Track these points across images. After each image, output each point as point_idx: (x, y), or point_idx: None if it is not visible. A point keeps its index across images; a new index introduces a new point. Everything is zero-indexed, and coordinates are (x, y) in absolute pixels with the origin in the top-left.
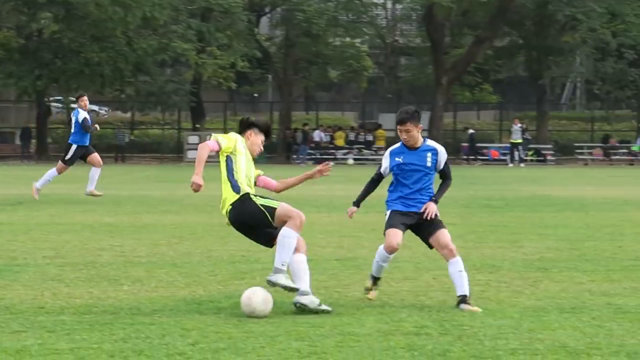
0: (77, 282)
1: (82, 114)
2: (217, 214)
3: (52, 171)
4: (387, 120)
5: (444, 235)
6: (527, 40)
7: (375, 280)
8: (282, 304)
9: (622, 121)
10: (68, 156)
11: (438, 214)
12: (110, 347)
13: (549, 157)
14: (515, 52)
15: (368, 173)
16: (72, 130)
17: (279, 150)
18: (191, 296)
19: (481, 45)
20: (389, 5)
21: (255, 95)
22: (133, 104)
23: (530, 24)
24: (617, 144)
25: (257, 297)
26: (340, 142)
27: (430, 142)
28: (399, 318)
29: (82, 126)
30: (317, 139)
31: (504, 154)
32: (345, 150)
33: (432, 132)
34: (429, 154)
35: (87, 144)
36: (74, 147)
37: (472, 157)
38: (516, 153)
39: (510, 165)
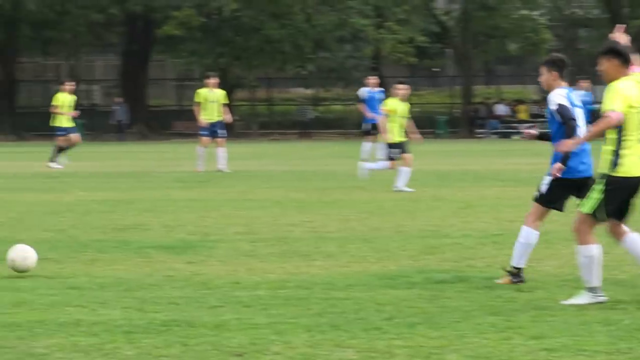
0: (270, 258)
1: None
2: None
3: None
4: None
5: None
6: None
7: None
8: (474, 279)
9: None
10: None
11: None
12: (307, 321)
13: None
14: None
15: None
16: None
17: (462, 124)
18: (383, 271)
19: None
20: None
21: (435, 69)
22: (315, 80)
23: None
24: None
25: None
26: (523, 115)
27: None
28: None
29: None
30: (500, 112)
31: None
32: (530, 124)
33: None
34: None
35: None
36: None
37: None
38: None
39: None
